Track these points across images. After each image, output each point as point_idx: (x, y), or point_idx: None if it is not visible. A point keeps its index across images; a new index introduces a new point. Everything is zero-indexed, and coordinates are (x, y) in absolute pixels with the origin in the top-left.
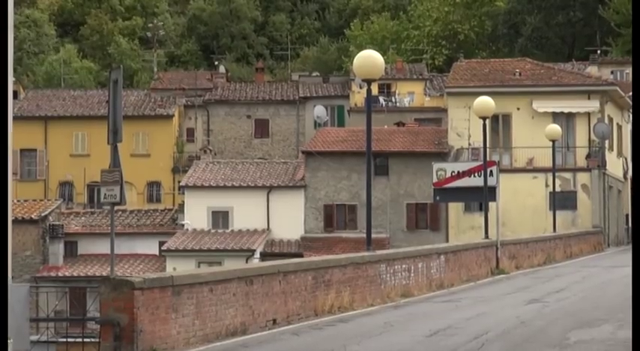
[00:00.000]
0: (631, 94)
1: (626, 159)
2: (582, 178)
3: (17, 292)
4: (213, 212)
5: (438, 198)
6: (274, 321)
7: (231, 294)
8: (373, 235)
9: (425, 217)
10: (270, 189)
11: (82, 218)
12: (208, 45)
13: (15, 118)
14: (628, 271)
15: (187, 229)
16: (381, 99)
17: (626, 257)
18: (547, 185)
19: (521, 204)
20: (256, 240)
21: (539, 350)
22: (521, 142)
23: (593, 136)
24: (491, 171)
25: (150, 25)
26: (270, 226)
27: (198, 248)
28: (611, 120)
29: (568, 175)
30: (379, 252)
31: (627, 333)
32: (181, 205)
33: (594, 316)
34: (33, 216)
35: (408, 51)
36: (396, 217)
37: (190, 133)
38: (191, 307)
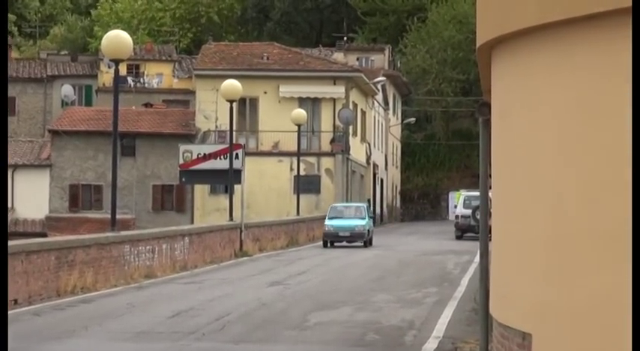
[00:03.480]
0: (377, 79)
1: (369, 144)
2: (326, 162)
3: None
4: None
5: (183, 180)
6: (15, 301)
7: None
8: (118, 216)
9: (171, 199)
10: (15, 168)
11: None
12: None
13: None
14: (368, 254)
15: None
16: (130, 79)
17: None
18: (292, 169)
19: (266, 187)
20: None
21: (279, 332)
22: (267, 126)
23: (337, 122)
24: (237, 154)
25: None
26: (14, 205)
27: None
28: (355, 106)
29: (312, 160)
30: (124, 233)
31: (365, 315)
32: None
33: (334, 299)
34: None
35: (157, 32)
36: (142, 198)
37: None
38: None
